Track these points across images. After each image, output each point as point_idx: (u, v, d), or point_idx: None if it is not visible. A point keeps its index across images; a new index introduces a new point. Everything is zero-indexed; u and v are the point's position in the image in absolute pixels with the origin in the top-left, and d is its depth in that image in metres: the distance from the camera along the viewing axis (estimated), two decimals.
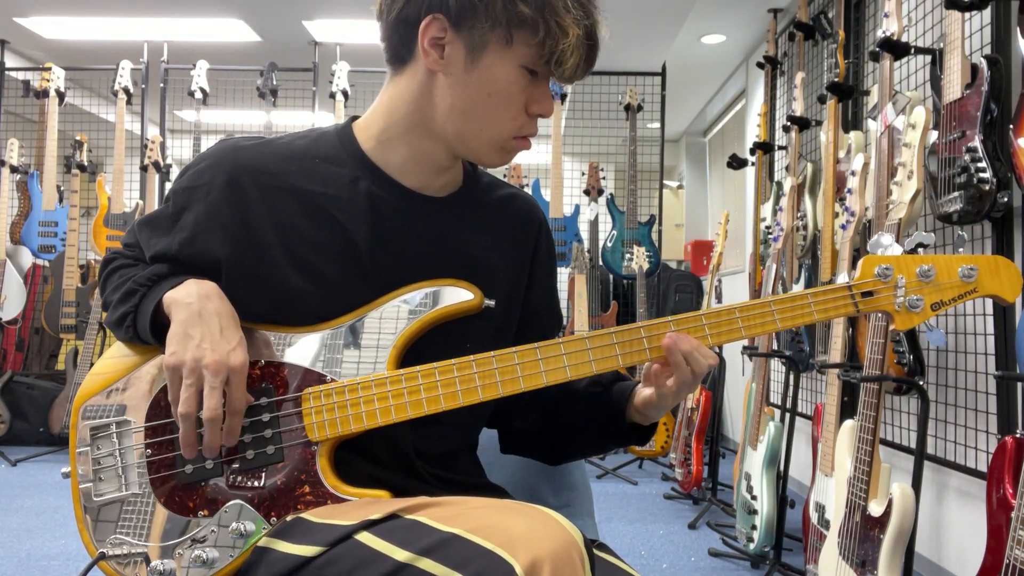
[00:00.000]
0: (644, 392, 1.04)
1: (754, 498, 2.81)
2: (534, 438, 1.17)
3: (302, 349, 0.99)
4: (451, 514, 0.84)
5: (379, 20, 1.03)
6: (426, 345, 1.00)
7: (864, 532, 1.85)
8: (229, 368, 0.94)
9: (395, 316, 1.00)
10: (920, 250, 1.03)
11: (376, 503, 0.91)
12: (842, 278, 2.35)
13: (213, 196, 1.02)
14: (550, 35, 0.93)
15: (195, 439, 0.95)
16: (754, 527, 2.78)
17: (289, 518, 0.94)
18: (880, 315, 0.98)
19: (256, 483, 0.96)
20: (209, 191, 1.02)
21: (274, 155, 1.04)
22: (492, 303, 1.03)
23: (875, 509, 1.83)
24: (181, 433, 0.94)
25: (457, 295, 1.01)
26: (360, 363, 0.99)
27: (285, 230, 1.01)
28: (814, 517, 2.26)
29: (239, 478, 0.96)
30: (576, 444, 1.16)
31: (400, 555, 0.80)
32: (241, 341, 0.96)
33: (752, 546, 2.78)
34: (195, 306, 0.96)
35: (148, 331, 0.99)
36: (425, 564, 0.79)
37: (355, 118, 1.10)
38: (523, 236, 1.14)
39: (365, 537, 0.85)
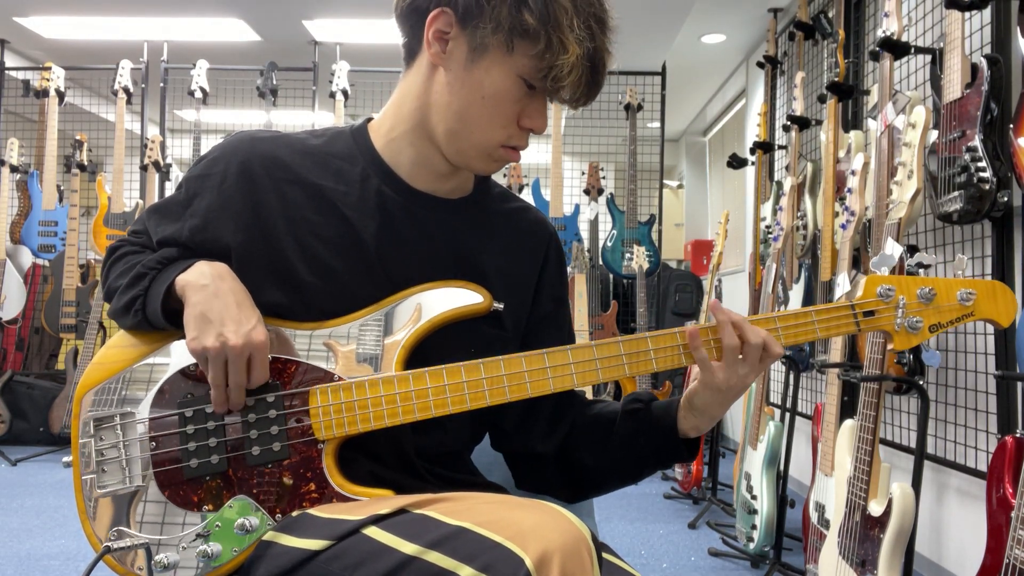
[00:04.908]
0: (695, 387, 1.03)
1: (754, 498, 2.81)
2: (559, 464, 1.12)
3: (310, 345, 0.99)
4: (460, 508, 0.84)
5: (395, 12, 1.03)
6: (432, 346, 1.01)
7: (864, 532, 1.85)
8: (252, 347, 0.95)
9: (404, 316, 1.00)
10: (921, 271, 1.05)
11: (383, 501, 0.92)
12: (842, 278, 2.35)
13: (227, 185, 1.02)
14: (550, 49, 0.93)
15: (226, 400, 0.96)
16: (754, 527, 2.78)
17: (294, 514, 0.94)
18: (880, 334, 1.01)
19: (261, 479, 0.96)
20: (223, 180, 1.03)
21: (289, 149, 1.05)
22: (501, 306, 1.03)
23: (875, 509, 1.83)
24: (212, 396, 0.96)
25: (466, 297, 1.01)
26: (368, 362, 0.99)
27: (295, 223, 1.01)
28: (814, 517, 2.26)
29: (244, 474, 0.96)
30: (610, 467, 1.11)
31: (408, 548, 0.80)
32: (259, 319, 0.97)
33: (752, 546, 2.78)
34: (210, 287, 0.96)
35: (159, 314, 0.99)
36: (433, 557, 0.79)
37: (370, 119, 1.11)
38: (531, 250, 1.14)
39: (373, 531, 0.85)
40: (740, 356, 0.98)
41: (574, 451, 1.11)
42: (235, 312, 0.95)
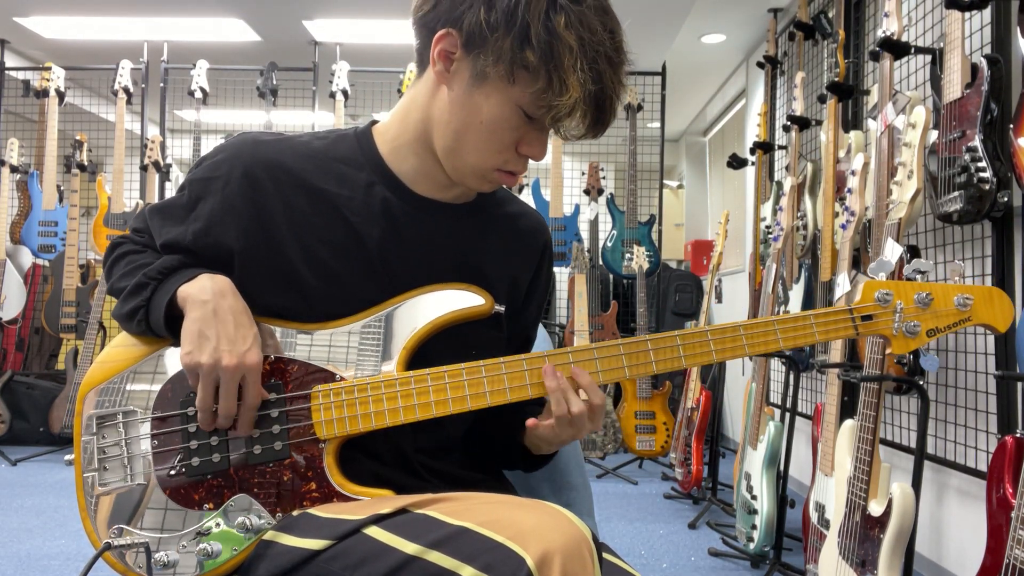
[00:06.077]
0: (542, 428, 1.01)
1: (754, 498, 2.81)
2: (467, 443, 1.14)
3: (312, 346, 1.00)
4: (461, 508, 0.85)
5: (411, 17, 1.03)
6: (433, 348, 1.01)
7: (864, 532, 1.85)
8: (245, 368, 0.95)
9: (406, 317, 1.01)
10: (918, 277, 1.06)
11: (384, 500, 0.92)
12: (842, 278, 2.35)
13: (230, 188, 1.02)
14: (551, 88, 0.91)
15: (212, 421, 0.96)
16: (754, 527, 2.78)
17: (295, 513, 0.95)
18: (878, 339, 1.03)
19: (262, 478, 0.96)
20: (226, 183, 1.02)
21: (292, 152, 1.05)
22: (502, 309, 1.04)
23: (875, 509, 1.83)
24: (199, 418, 0.96)
25: (468, 299, 1.02)
26: (370, 363, 0.99)
27: (299, 226, 1.02)
28: (814, 517, 2.26)
29: (245, 472, 0.96)
30: (500, 455, 1.14)
31: (409, 548, 0.81)
32: (256, 339, 0.97)
33: (752, 546, 2.78)
34: (210, 304, 0.96)
35: (162, 326, 0.99)
36: (434, 557, 0.79)
37: (375, 122, 1.11)
38: (528, 254, 1.15)
39: (374, 531, 0.85)
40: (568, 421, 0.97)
41: (486, 430, 1.14)
42: (232, 332, 0.96)
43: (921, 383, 2.06)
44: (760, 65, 4.31)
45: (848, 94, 2.96)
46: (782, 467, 2.81)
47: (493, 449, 1.14)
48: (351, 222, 1.02)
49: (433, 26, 0.97)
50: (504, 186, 1.07)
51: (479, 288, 1.03)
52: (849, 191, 2.40)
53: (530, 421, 1.00)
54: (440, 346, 1.02)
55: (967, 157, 2.07)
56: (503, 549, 0.77)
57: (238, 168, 1.03)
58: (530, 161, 1.02)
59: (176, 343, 1.00)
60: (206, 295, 0.97)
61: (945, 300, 1.04)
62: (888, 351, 1.06)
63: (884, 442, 2.92)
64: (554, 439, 1.01)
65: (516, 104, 0.94)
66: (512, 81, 0.93)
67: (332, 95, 4.84)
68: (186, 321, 0.97)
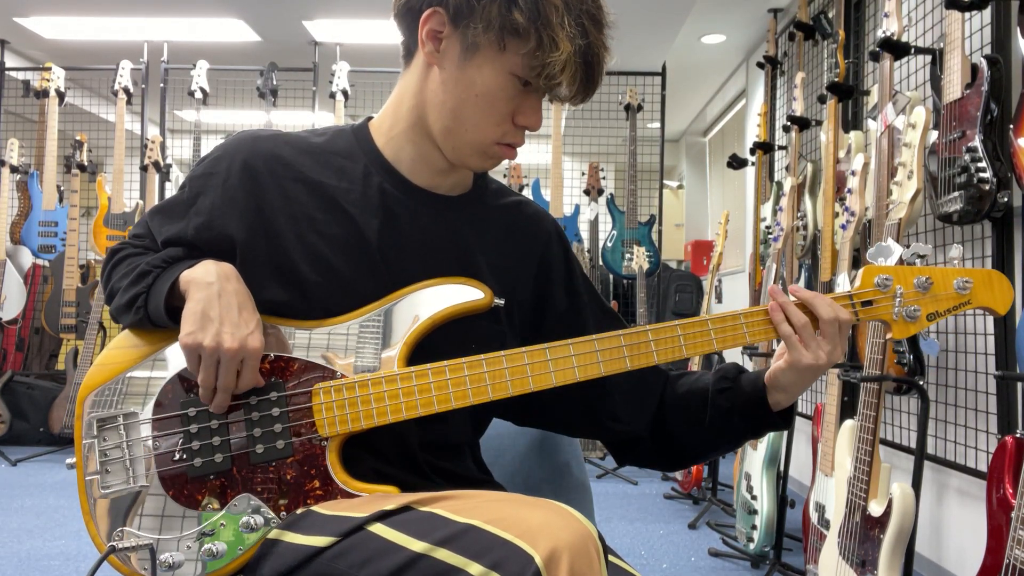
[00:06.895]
0: (779, 366, 1.04)
1: (754, 498, 2.81)
2: (653, 441, 1.14)
3: (312, 343, 1.00)
4: (467, 506, 0.85)
5: (392, 12, 1.04)
6: (433, 343, 1.01)
7: (864, 532, 1.85)
8: (247, 352, 0.95)
9: (406, 313, 1.01)
10: (918, 261, 1.06)
11: (387, 497, 0.92)
12: (842, 278, 2.35)
13: (230, 183, 1.03)
14: (541, 47, 0.94)
15: (211, 400, 0.97)
16: (754, 527, 2.78)
17: (299, 511, 0.95)
18: (879, 323, 1.02)
19: (265, 477, 0.96)
20: (227, 178, 1.03)
21: (290, 147, 1.06)
22: (501, 302, 1.04)
23: (875, 509, 1.83)
24: (200, 393, 0.97)
25: (468, 293, 1.02)
26: (370, 359, 0.99)
27: (298, 220, 1.02)
28: (814, 517, 2.26)
29: (248, 472, 0.96)
30: (707, 443, 1.14)
31: (416, 546, 0.81)
32: (258, 324, 0.98)
33: (752, 546, 2.79)
34: (215, 286, 0.96)
35: (162, 311, 0.99)
36: (441, 554, 0.79)
37: (371, 118, 1.12)
38: (530, 244, 1.14)
39: (379, 528, 0.85)
40: (818, 333, 1.00)
41: (667, 428, 1.13)
42: (235, 315, 0.96)
43: (921, 383, 2.06)
44: (760, 65, 4.31)
45: (848, 94, 2.96)
46: (782, 467, 2.81)
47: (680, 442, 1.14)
48: (351, 214, 1.03)
49: (419, 8, 0.98)
50: (505, 160, 1.07)
51: (478, 282, 1.03)
52: (849, 191, 2.40)
53: (768, 373, 1.05)
54: (440, 341, 1.02)
55: (967, 157, 2.07)
56: (511, 546, 0.77)
57: (238, 162, 1.04)
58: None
59: (177, 332, 0.99)
60: (211, 277, 0.97)
61: (945, 284, 1.03)
62: (888, 336, 1.06)
63: (884, 442, 2.92)
64: (797, 381, 1.03)
65: (509, 71, 0.96)
66: (503, 47, 0.95)
67: (332, 95, 4.84)
68: (189, 303, 0.96)
